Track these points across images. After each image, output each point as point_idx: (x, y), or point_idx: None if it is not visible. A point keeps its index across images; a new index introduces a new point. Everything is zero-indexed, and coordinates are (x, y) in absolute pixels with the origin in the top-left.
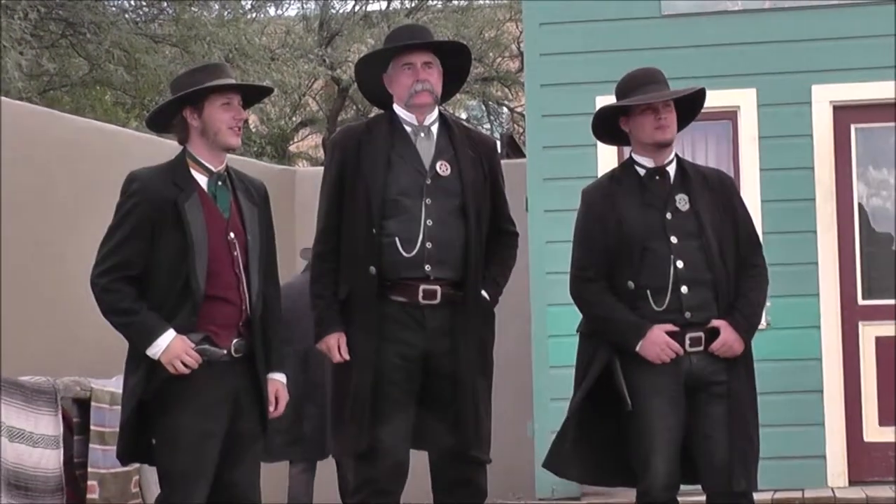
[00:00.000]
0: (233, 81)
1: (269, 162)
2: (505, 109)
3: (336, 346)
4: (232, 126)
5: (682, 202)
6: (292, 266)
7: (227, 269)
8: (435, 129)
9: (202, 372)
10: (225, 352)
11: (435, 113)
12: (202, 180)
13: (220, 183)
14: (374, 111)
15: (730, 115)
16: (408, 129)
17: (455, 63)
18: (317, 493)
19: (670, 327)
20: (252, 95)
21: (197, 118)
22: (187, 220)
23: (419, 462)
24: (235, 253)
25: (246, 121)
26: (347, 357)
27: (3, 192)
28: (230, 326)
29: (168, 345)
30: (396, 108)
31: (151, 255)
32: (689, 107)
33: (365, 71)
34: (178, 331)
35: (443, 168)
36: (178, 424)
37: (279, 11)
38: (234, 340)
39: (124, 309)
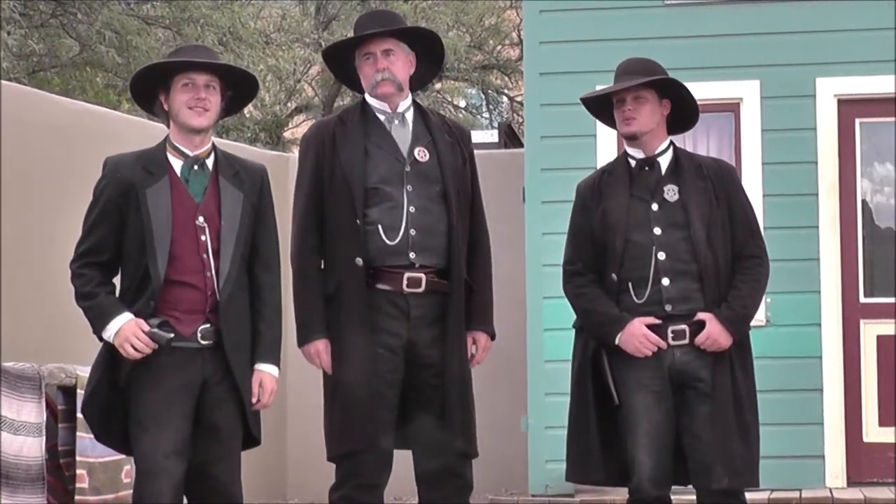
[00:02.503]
0: (186, 59)
1: (263, 148)
2: (504, 98)
3: (324, 351)
4: (192, 106)
5: (670, 192)
6: (283, 252)
7: (192, 254)
8: (409, 115)
9: (165, 359)
10: (171, 335)
11: (408, 100)
12: (177, 164)
13: (195, 167)
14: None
15: (732, 108)
16: (381, 117)
17: (428, 46)
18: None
19: (651, 320)
20: (237, 79)
21: (167, 102)
22: (146, 205)
23: (401, 453)
24: (203, 238)
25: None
26: (330, 367)
27: None
28: (195, 312)
29: (119, 328)
30: (367, 97)
31: (121, 241)
32: (685, 104)
33: (334, 62)
34: (138, 316)
35: (421, 154)
36: (140, 412)
37: None
38: (201, 327)
39: (85, 293)
